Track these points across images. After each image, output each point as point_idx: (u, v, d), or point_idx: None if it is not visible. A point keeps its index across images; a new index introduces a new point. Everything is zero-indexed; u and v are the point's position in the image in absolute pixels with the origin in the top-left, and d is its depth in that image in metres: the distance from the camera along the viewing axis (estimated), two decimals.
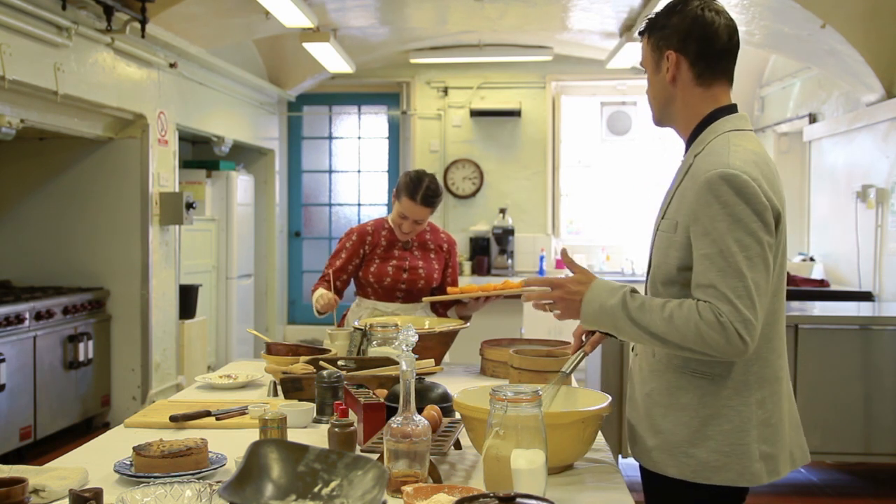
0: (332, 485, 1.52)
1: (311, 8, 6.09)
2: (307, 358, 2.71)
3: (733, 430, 1.82)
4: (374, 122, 9.16)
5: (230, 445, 2.02)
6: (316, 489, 1.52)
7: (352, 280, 3.60)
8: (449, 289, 3.50)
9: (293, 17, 5.95)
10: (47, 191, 5.94)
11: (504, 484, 1.64)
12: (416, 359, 1.83)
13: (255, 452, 1.54)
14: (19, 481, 1.51)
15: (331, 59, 7.15)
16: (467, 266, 8.27)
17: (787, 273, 2.01)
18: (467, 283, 4.22)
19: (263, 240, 8.55)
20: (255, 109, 8.04)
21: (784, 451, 1.88)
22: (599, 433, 2.08)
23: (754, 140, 1.89)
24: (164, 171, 6.09)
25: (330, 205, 9.18)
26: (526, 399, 1.66)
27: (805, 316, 4.70)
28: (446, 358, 3.25)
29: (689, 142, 1.94)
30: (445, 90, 8.70)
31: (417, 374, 2.00)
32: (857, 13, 5.34)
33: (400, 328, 2.43)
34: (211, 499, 1.56)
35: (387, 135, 9.10)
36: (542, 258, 8.39)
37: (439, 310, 3.48)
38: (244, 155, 8.23)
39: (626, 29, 6.81)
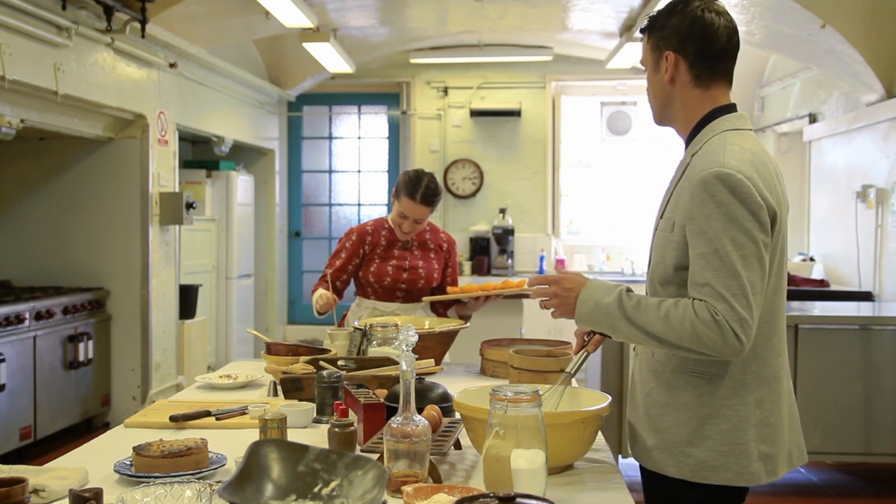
0: (332, 485, 1.52)
1: (311, 8, 6.09)
2: (307, 358, 2.71)
3: (731, 429, 1.82)
4: (374, 122, 9.16)
5: (230, 445, 2.02)
6: (316, 489, 1.52)
7: (352, 280, 3.60)
8: (449, 288, 3.50)
9: (293, 17, 5.95)
10: (47, 191, 5.94)
11: (504, 484, 1.64)
12: (416, 359, 1.83)
13: (255, 452, 1.54)
14: (19, 481, 1.51)
15: (331, 59, 7.15)
16: (467, 266, 8.27)
17: (788, 273, 2.01)
18: (467, 283, 4.22)
19: (263, 240, 8.55)
20: (255, 109, 8.04)
21: (783, 450, 1.88)
22: (599, 433, 2.08)
23: (752, 139, 1.88)
24: (164, 171, 6.09)
25: (330, 205, 9.18)
26: (526, 399, 1.66)
27: (805, 316, 4.70)
28: (446, 358, 3.25)
29: (688, 141, 1.94)
30: (445, 90, 8.70)
31: (417, 374, 2.00)
32: (857, 13, 5.34)
33: (400, 328, 2.43)
34: (211, 499, 1.56)
35: (387, 135, 9.10)
36: (542, 258, 8.39)
37: (439, 310, 3.48)
38: (244, 155, 8.24)
39: (626, 29, 6.82)
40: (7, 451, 4.77)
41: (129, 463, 1.88)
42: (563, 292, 1.91)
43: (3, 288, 5.59)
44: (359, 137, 9.16)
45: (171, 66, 6.12)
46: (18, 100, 4.76)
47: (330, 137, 9.19)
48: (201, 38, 6.38)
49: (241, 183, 7.77)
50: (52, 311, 5.18)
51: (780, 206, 1.83)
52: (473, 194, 8.62)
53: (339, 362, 2.65)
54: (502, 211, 8.40)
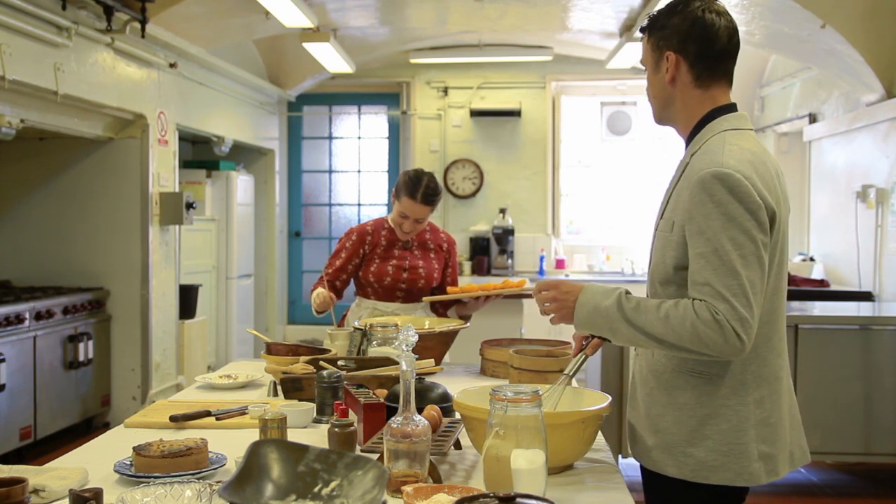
0: (332, 485, 1.52)
1: (311, 8, 6.09)
2: (307, 358, 2.71)
3: (731, 429, 1.82)
4: (374, 122, 9.16)
5: (230, 445, 2.02)
6: (316, 489, 1.52)
7: (352, 280, 3.60)
8: (449, 288, 3.50)
9: (293, 17, 5.95)
10: (47, 191, 5.94)
11: (504, 484, 1.64)
12: (416, 359, 1.83)
13: (255, 452, 1.54)
14: (19, 481, 1.51)
15: (331, 59, 7.15)
16: (467, 266, 8.27)
17: (788, 273, 2.01)
18: (467, 283, 4.22)
19: (263, 240, 8.55)
20: (255, 109, 8.04)
21: (783, 450, 1.88)
22: (599, 433, 2.08)
23: (752, 139, 1.88)
24: (164, 171, 6.09)
25: (330, 205, 9.18)
26: (526, 399, 1.66)
27: (805, 316, 4.70)
28: (446, 358, 3.25)
29: (688, 141, 1.94)
30: (445, 90, 8.70)
31: (417, 374, 2.00)
32: (857, 13, 5.34)
33: (400, 328, 2.43)
34: (211, 499, 1.56)
35: (387, 135, 9.10)
36: (542, 258, 8.38)
37: (439, 310, 3.48)
38: (244, 155, 8.24)
39: (626, 29, 6.81)
40: (7, 451, 4.77)
41: (129, 463, 1.88)
42: (561, 296, 1.91)
43: (3, 288, 5.59)
44: (359, 137, 9.16)
45: (171, 66, 6.12)
46: (18, 100, 4.76)
47: (330, 137, 9.19)
48: (201, 38, 6.38)
49: (241, 183, 7.77)
50: (52, 311, 5.18)
51: (780, 206, 1.83)
52: (473, 194, 8.62)
53: (339, 362, 2.65)
54: (502, 211, 8.40)
